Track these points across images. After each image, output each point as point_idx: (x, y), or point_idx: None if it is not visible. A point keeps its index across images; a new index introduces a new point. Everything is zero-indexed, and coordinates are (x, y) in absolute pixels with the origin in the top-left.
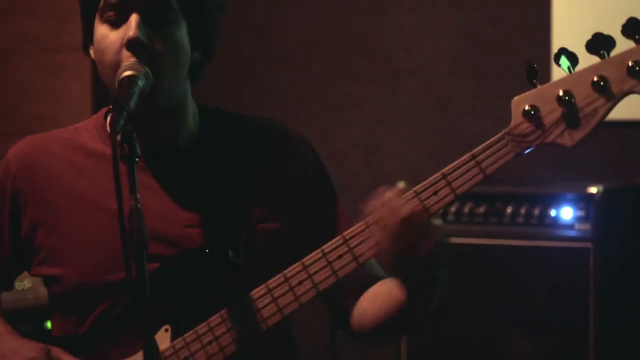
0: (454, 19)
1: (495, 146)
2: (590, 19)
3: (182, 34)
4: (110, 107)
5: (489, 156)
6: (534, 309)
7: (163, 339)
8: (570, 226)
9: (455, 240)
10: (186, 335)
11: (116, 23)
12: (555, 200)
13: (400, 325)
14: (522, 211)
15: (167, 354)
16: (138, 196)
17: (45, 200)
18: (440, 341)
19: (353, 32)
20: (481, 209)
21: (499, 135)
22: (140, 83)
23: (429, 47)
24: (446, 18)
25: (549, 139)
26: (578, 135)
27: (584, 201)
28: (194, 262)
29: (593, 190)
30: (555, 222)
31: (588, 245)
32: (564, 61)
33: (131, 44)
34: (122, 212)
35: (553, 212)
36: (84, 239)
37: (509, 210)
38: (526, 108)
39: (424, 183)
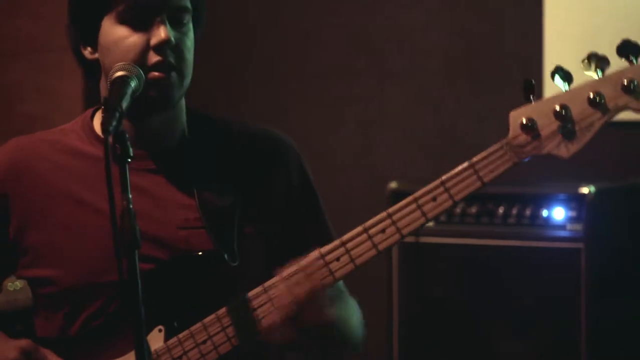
0: (447, 19)
1: (494, 156)
2: (582, 19)
3: (192, 31)
4: (96, 107)
5: (487, 165)
6: (525, 309)
7: (156, 339)
8: (562, 226)
9: (447, 240)
10: (180, 335)
11: (138, 25)
12: (547, 200)
13: None
14: (514, 211)
15: (160, 352)
16: (130, 196)
17: (35, 202)
18: (431, 340)
19: (346, 31)
20: (473, 209)
21: (498, 145)
22: (133, 84)
23: (422, 46)
24: (440, 17)
25: (545, 151)
26: (574, 147)
27: (575, 201)
28: (190, 265)
29: (585, 190)
30: (547, 223)
31: (580, 245)
32: (560, 80)
33: (162, 46)
34: (114, 212)
35: (545, 213)
36: (76, 240)
37: (501, 210)
38: (524, 121)
39: (423, 190)
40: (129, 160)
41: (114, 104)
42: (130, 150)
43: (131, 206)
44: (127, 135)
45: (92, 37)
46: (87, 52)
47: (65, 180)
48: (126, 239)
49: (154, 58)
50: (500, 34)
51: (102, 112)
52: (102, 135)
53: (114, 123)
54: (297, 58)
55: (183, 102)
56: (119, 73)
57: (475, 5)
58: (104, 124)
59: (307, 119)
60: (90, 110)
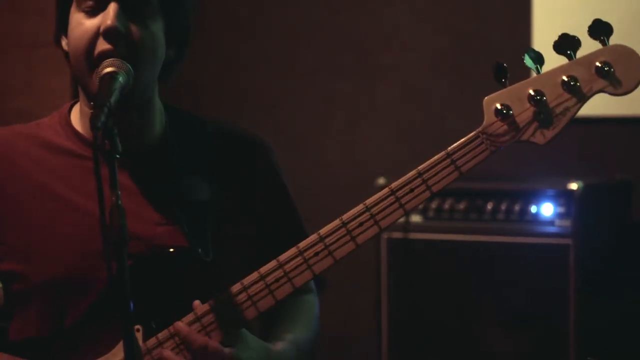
0: (434, 16)
1: (470, 145)
2: (570, 16)
3: (158, 28)
4: (73, 102)
5: (464, 154)
6: (514, 305)
7: None
8: (550, 222)
9: (436, 236)
10: (159, 334)
11: (93, 12)
12: (535, 196)
13: None
14: (503, 207)
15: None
16: (119, 192)
17: (9, 196)
18: (420, 336)
19: (334, 28)
20: (462, 205)
21: (473, 134)
22: (122, 79)
23: (409, 43)
24: (427, 14)
25: (522, 138)
26: (550, 133)
27: (564, 197)
28: (163, 262)
29: (573, 186)
30: (536, 219)
31: (568, 241)
32: (530, 61)
33: (108, 33)
34: (103, 209)
35: (534, 209)
36: (50, 236)
37: (490, 206)
38: (498, 107)
39: (400, 181)
40: (118, 156)
41: (103, 100)
42: (119, 145)
43: (120, 202)
44: (116, 131)
45: (65, 28)
46: (64, 44)
47: (42, 174)
48: (115, 236)
49: (102, 46)
50: (488, 29)
51: (91, 109)
52: (80, 131)
53: (103, 119)
54: (285, 55)
55: (157, 97)
56: (108, 69)
57: (462, 2)
58: (92, 121)
59: (295, 116)
60: (67, 105)
